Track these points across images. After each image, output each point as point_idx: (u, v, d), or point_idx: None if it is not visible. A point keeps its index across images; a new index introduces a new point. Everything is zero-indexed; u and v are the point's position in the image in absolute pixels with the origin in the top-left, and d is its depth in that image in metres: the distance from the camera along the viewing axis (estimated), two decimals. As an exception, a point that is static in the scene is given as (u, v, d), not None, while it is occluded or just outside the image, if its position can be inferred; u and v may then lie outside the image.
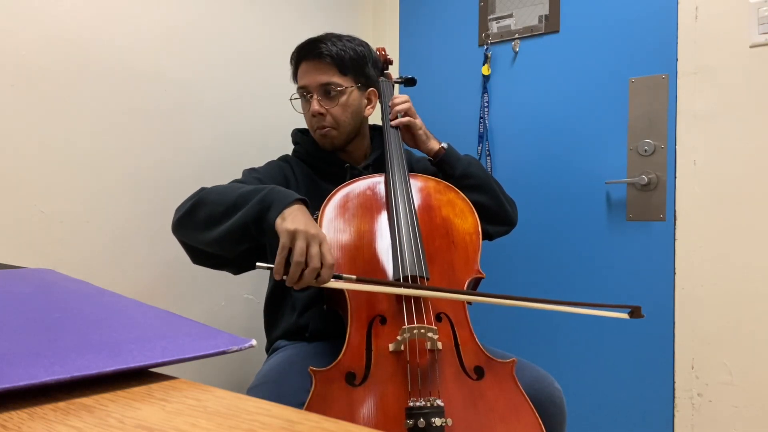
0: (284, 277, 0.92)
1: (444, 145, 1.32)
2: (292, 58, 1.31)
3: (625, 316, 0.99)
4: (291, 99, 1.33)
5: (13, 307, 0.51)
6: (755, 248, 1.50)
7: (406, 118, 1.30)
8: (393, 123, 1.31)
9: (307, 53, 1.26)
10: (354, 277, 0.94)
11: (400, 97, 1.34)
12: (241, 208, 1.00)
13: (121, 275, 1.41)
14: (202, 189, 1.12)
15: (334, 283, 0.94)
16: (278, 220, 0.93)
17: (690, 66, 1.59)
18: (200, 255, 1.16)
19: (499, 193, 1.31)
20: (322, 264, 0.91)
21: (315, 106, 1.24)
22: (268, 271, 0.93)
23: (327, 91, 1.25)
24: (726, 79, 1.54)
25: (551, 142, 1.85)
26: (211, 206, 1.05)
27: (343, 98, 1.26)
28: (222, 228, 1.02)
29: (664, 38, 1.65)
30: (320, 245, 0.92)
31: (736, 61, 1.52)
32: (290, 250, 0.91)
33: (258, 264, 0.91)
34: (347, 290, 1.02)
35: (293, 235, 0.90)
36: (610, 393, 1.74)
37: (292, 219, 0.93)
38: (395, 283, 1.02)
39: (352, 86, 1.27)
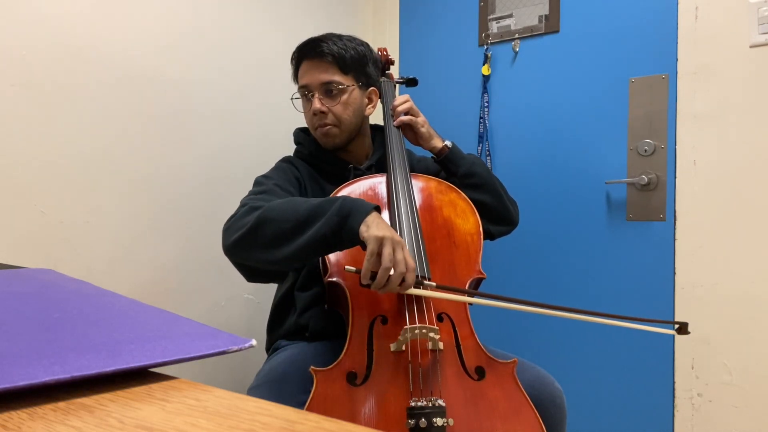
0: (369, 282, 0.94)
1: (448, 143, 1.32)
2: (292, 58, 1.31)
3: (671, 332, 1.08)
4: (292, 99, 1.33)
5: (13, 307, 0.51)
6: (755, 248, 1.50)
7: (408, 117, 1.31)
8: (395, 123, 1.31)
9: (308, 52, 1.26)
10: (434, 284, 0.98)
11: (401, 98, 1.34)
12: (317, 220, 0.99)
13: (121, 275, 1.41)
14: (253, 208, 1.07)
15: (416, 291, 0.96)
16: (362, 228, 0.94)
17: (690, 66, 1.59)
18: (258, 273, 1.16)
19: (501, 193, 1.31)
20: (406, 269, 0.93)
21: (316, 104, 1.24)
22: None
23: (328, 90, 1.25)
24: (726, 79, 1.54)
25: (551, 142, 1.85)
26: (278, 224, 1.02)
27: (344, 96, 1.26)
28: (296, 243, 1.00)
29: (664, 38, 1.65)
30: (403, 250, 0.94)
31: (736, 61, 1.52)
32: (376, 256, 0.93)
33: (347, 267, 0.94)
34: (348, 290, 1.02)
35: (381, 242, 0.92)
36: (610, 393, 1.74)
37: (377, 226, 0.93)
38: (473, 291, 1.06)
39: (353, 85, 1.27)
